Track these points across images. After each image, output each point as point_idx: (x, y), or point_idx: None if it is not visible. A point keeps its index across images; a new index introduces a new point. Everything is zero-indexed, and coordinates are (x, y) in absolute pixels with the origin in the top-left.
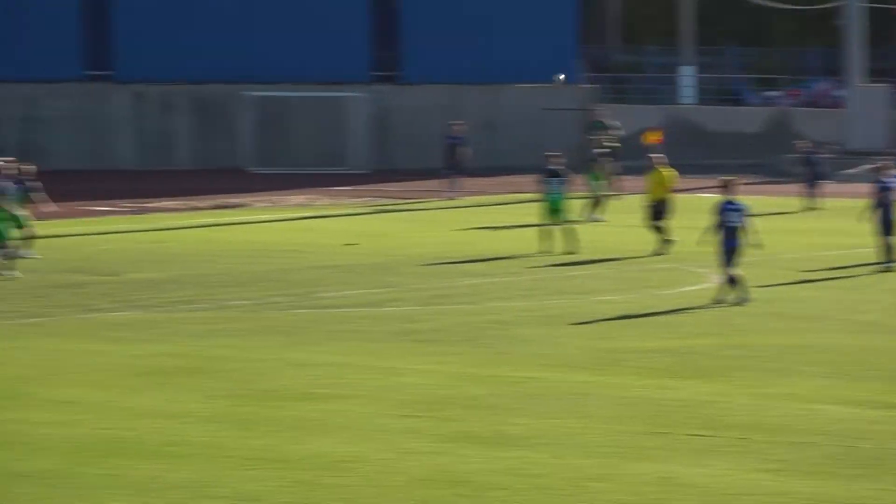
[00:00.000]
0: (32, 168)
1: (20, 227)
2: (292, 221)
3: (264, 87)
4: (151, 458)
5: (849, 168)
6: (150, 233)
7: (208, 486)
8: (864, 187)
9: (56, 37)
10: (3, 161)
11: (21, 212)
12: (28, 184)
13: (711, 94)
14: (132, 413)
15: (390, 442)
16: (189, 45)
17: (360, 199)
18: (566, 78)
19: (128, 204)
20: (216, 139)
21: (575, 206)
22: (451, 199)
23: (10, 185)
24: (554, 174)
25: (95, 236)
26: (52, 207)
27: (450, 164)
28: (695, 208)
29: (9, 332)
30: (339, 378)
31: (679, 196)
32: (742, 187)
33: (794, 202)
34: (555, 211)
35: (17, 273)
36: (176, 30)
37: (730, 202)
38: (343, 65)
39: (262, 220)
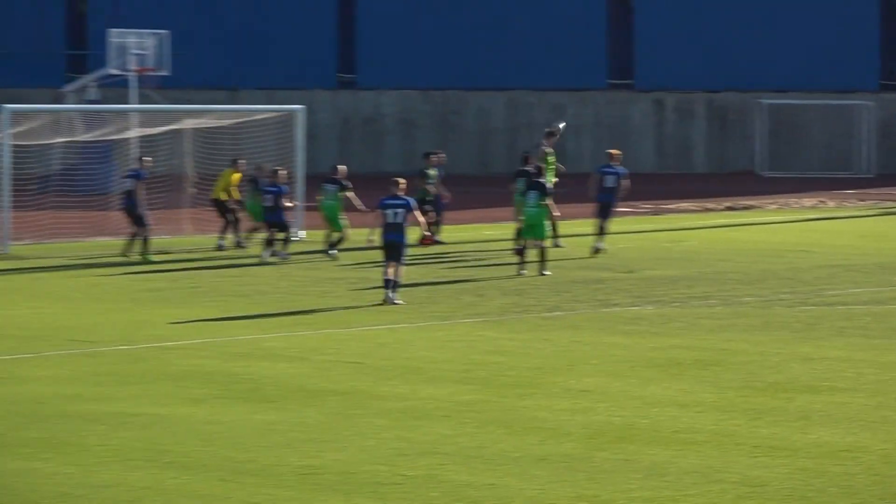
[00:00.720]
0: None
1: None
2: (802, 223)
3: (777, 95)
4: (663, 445)
5: None
6: (667, 232)
7: (718, 472)
8: None
9: (584, 47)
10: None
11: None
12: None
13: None
14: (646, 402)
15: (891, 433)
16: (706, 55)
17: (866, 202)
18: (564, 127)
19: (647, 205)
20: (731, 144)
21: None
22: None
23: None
24: None
25: (615, 235)
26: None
27: None
28: None
29: (533, 324)
30: (843, 371)
31: None
32: None
33: None
34: None
35: (547, 272)
36: (694, 41)
37: None
38: (853, 74)
39: (773, 221)
